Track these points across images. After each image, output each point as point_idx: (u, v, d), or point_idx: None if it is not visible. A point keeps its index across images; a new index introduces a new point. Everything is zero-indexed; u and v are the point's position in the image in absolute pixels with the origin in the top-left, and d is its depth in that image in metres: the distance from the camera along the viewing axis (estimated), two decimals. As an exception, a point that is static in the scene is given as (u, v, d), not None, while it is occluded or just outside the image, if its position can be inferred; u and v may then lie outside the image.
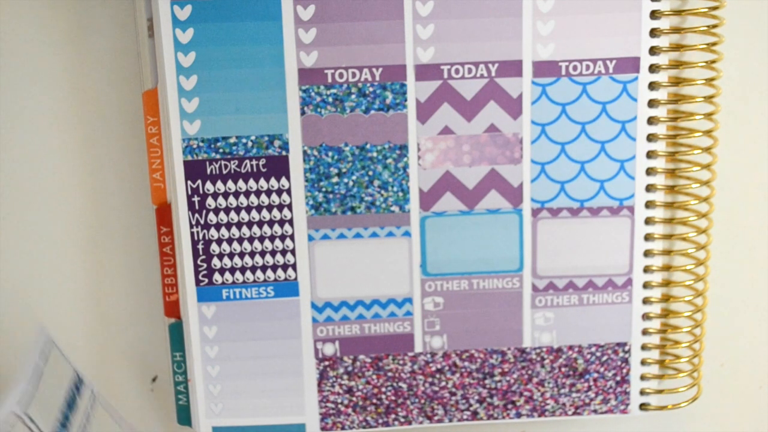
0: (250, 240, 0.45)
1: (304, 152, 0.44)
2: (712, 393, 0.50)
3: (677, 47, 0.44)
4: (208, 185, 0.44)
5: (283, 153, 0.44)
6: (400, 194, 0.45)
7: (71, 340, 0.47)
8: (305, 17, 0.43)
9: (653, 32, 0.44)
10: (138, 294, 0.47)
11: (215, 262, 0.45)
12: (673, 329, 0.47)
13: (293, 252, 0.45)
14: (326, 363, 0.47)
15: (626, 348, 0.47)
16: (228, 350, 0.46)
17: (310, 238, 0.45)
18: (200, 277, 0.45)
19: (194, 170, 0.44)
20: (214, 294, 0.45)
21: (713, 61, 0.44)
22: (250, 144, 0.44)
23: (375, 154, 0.44)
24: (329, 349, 0.46)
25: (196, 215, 0.44)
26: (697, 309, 0.47)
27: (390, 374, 0.47)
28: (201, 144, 0.44)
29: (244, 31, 0.42)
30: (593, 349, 0.47)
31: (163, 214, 0.45)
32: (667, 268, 0.46)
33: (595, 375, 0.47)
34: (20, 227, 0.46)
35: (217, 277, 0.45)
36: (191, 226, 0.44)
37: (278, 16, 0.42)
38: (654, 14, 0.43)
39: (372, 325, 0.46)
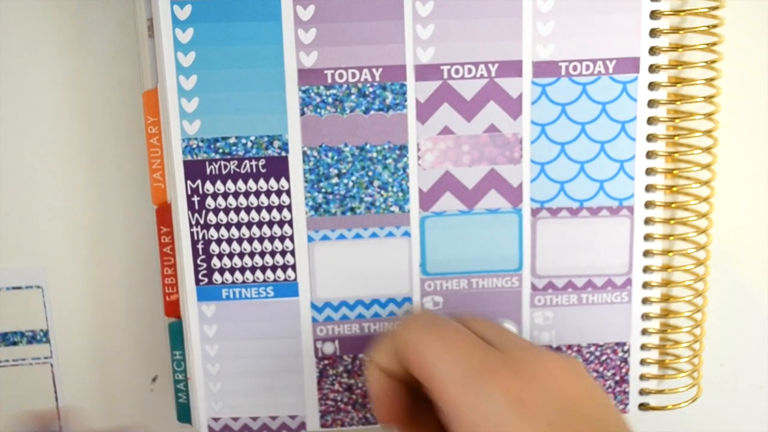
0: (250, 240, 0.45)
1: (304, 153, 0.44)
2: (712, 393, 0.50)
3: (677, 47, 0.44)
4: (208, 185, 0.44)
5: (283, 153, 0.44)
6: (400, 194, 0.45)
7: (72, 339, 0.47)
8: (305, 17, 0.43)
9: (653, 32, 0.43)
10: (138, 294, 0.47)
11: (215, 261, 0.45)
12: (672, 329, 0.47)
13: (293, 253, 0.45)
14: (326, 362, 0.47)
15: (625, 348, 0.47)
16: (228, 349, 0.46)
17: (310, 239, 0.45)
18: (200, 277, 0.45)
19: (194, 170, 0.44)
20: (213, 293, 0.45)
21: (713, 61, 0.44)
22: (249, 144, 0.44)
23: (375, 155, 0.44)
24: (329, 348, 0.46)
25: (196, 215, 0.44)
26: (697, 309, 0.47)
27: (389, 373, 0.47)
28: (201, 144, 0.44)
29: (244, 31, 0.42)
30: (592, 349, 0.47)
31: (163, 214, 0.45)
32: (666, 268, 0.46)
33: (594, 374, 0.47)
34: (20, 227, 0.46)
35: (216, 276, 0.45)
36: (191, 226, 0.44)
37: (278, 17, 0.42)
38: (654, 14, 0.43)
39: (372, 325, 0.46)
